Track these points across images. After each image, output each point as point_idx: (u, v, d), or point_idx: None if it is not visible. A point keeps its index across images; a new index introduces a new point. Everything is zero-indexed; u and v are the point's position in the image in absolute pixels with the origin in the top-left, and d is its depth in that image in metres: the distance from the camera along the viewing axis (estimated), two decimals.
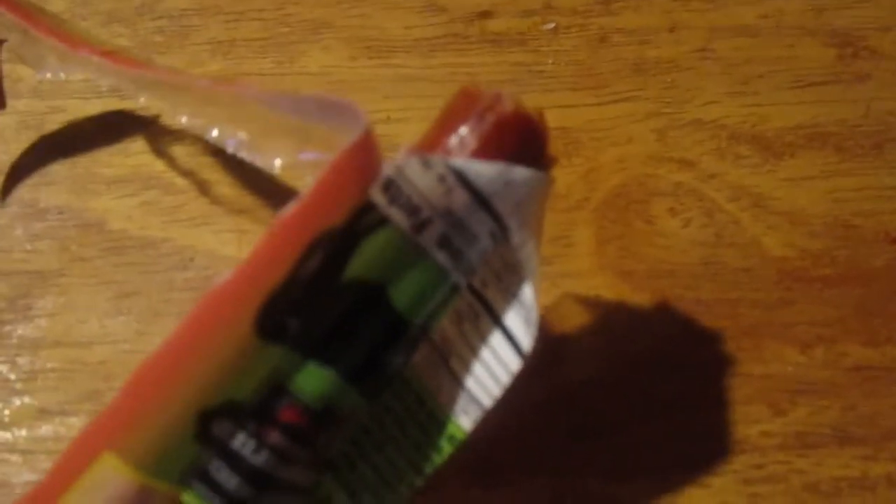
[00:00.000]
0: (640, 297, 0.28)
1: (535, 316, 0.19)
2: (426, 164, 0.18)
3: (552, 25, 0.33)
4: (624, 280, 0.28)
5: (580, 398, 0.27)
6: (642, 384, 0.27)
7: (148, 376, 0.17)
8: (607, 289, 0.28)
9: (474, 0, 0.33)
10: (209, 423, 0.18)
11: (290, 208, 0.17)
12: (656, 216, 0.29)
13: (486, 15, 0.33)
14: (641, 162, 0.30)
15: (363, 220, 0.18)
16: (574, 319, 0.28)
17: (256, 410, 0.18)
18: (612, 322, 0.28)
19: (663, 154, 0.30)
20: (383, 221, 0.18)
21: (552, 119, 0.30)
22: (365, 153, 0.17)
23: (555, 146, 0.30)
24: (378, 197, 0.18)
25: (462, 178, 0.18)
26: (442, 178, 0.18)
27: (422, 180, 0.18)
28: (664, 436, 0.26)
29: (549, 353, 0.27)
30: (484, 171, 0.18)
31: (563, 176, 0.30)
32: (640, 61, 0.32)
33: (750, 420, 0.26)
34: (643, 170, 0.30)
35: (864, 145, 0.31)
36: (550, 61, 0.32)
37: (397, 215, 0.18)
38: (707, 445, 0.26)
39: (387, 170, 0.18)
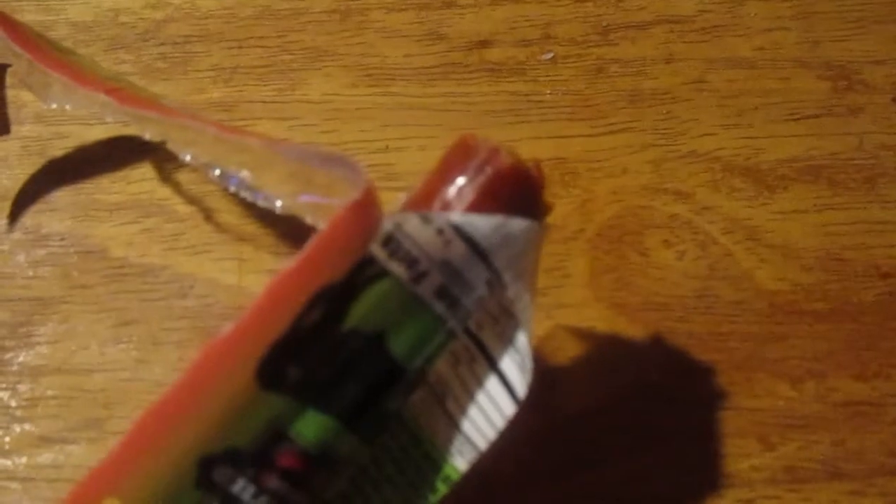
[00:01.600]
0: (633, 330, 0.28)
1: (529, 363, 0.20)
2: (425, 219, 0.18)
3: (550, 55, 0.33)
4: (618, 312, 0.29)
5: (573, 429, 0.27)
6: (634, 416, 0.27)
7: (150, 424, 0.17)
8: (601, 321, 0.28)
9: (474, 29, 0.34)
10: (210, 470, 0.18)
11: (292, 262, 0.17)
12: (651, 248, 0.30)
13: (485, 44, 0.33)
14: (636, 193, 0.31)
15: (363, 273, 0.18)
16: (568, 351, 0.28)
17: (256, 456, 0.18)
18: (606, 354, 0.28)
19: (658, 186, 0.31)
20: (383, 273, 0.18)
21: (549, 149, 0.31)
22: (366, 209, 0.17)
23: (552, 176, 0.31)
24: (378, 251, 0.18)
25: (460, 232, 0.18)
26: (440, 232, 0.18)
27: (421, 234, 0.18)
28: (655, 468, 0.26)
29: (543, 383, 0.27)
30: (482, 225, 0.18)
31: (559, 207, 0.30)
32: (637, 92, 0.32)
33: (740, 454, 0.27)
34: (638, 201, 0.30)
35: (857, 179, 0.31)
36: (548, 91, 0.32)
37: (396, 268, 0.18)
38: (697, 478, 0.26)
39: (387, 225, 0.18)
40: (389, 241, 0.18)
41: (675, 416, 0.27)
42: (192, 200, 0.30)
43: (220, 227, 0.30)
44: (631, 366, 0.28)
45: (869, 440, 0.27)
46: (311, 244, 0.17)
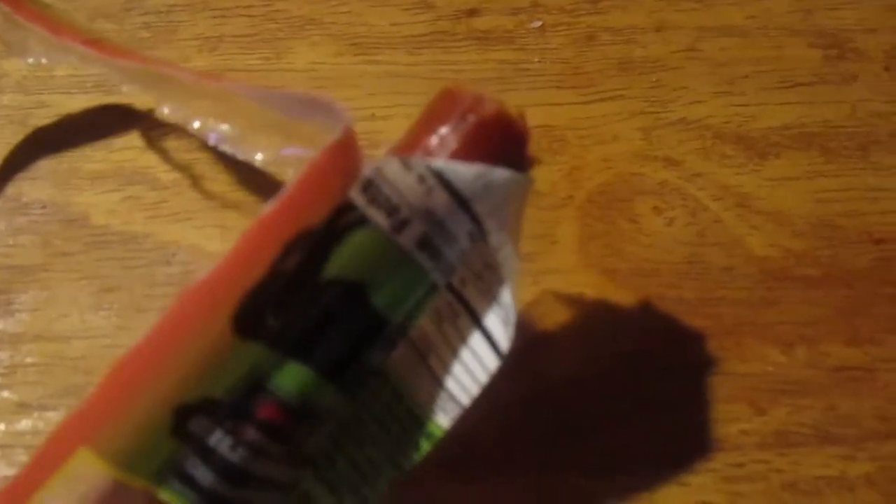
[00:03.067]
0: (622, 296, 0.28)
1: (513, 317, 0.19)
2: (406, 165, 0.18)
3: (539, 23, 0.33)
4: (607, 278, 0.28)
5: (562, 395, 0.27)
6: (624, 382, 0.27)
7: (124, 372, 0.17)
8: (590, 287, 0.28)
9: None
10: (186, 420, 0.18)
11: (270, 206, 0.17)
12: (640, 214, 0.29)
13: (473, 12, 0.33)
14: (626, 160, 0.30)
15: (342, 220, 0.18)
16: (556, 317, 0.28)
17: (234, 407, 0.18)
18: (595, 320, 0.28)
19: (648, 153, 0.30)
20: (363, 221, 0.18)
21: (538, 117, 0.31)
22: (345, 152, 0.17)
23: (540, 144, 0.31)
24: (357, 197, 0.18)
25: (442, 180, 0.18)
26: (422, 179, 0.18)
27: (402, 181, 0.18)
28: (645, 433, 0.26)
29: (531, 349, 0.27)
30: (464, 172, 0.18)
31: (548, 174, 0.30)
32: (627, 60, 0.32)
33: (730, 419, 0.26)
34: (628, 168, 0.30)
35: (849, 146, 0.31)
36: (537, 59, 0.32)
37: (377, 215, 0.18)
38: (687, 443, 0.26)
39: (366, 170, 0.18)
40: (369, 187, 0.18)
41: (665, 382, 0.27)
42: (175, 168, 0.30)
43: (203, 195, 0.29)
44: (620, 332, 0.28)
45: (860, 405, 0.26)
46: (289, 187, 0.17)
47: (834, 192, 0.30)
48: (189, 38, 0.32)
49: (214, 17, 0.33)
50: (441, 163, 0.18)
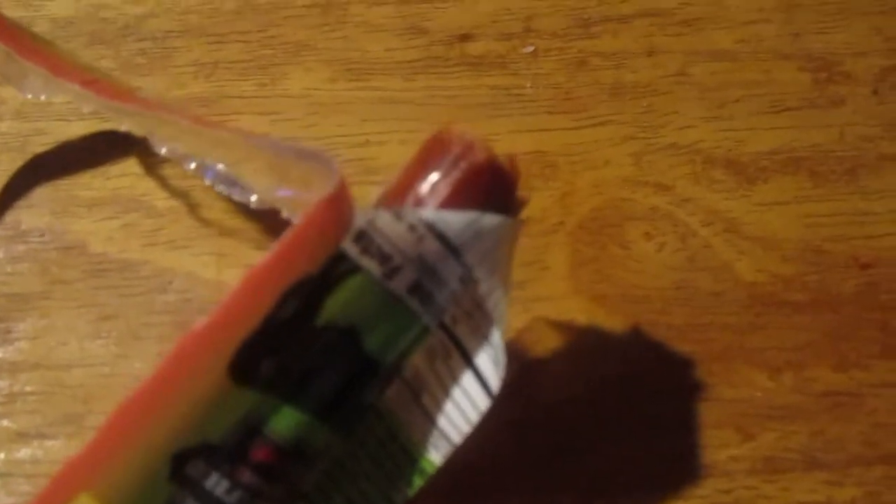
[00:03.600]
0: (613, 322, 0.28)
1: (502, 358, 0.20)
2: (397, 216, 0.18)
3: (531, 48, 0.33)
4: (597, 304, 0.29)
5: (553, 419, 0.27)
6: (613, 407, 0.27)
7: (123, 419, 0.17)
8: (581, 312, 0.29)
9: (455, 23, 0.33)
10: (183, 464, 0.18)
11: (265, 257, 0.17)
12: (631, 240, 0.30)
13: (466, 38, 0.33)
14: (617, 186, 0.31)
15: (336, 269, 0.18)
16: (547, 343, 0.28)
17: (230, 451, 0.18)
18: (585, 346, 0.28)
19: (639, 178, 0.31)
20: (356, 269, 0.18)
21: (530, 142, 0.31)
22: (339, 205, 0.17)
23: (531, 170, 0.31)
24: (350, 247, 0.18)
25: (433, 229, 0.18)
26: (413, 228, 0.18)
27: (393, 230, 0.18)
28: (634, 458, 0.26)
29: (523, 375, 0.27)
30: (454, 221, 0.18)
31: (539, 199, 0.30)
32: (618, 85, 0.32)
33: (719, 444, 0.27)
34: (619, 193, 0.31)
35: (838, 171, 0.31)
36: (529, 84, 0.32)
37: (369, 264, 0.18)
38: (676, 469, 0.27)
39: (359, 221, 0.18)
40: (361, 238, 0.18)
41: (655, 407, 0.27)
42: (172, 195, 0.30)
43: (200, 222, 0.30)
44: (610, 357, 0.28)
45: (847, 430, 0.27)
46: (283, 239, 0.17)
47: (822, 217, 0.30)
48: (184, 65, 0.33)
49: (210, 43, 0.33)
50: (431, 213, 0.18)
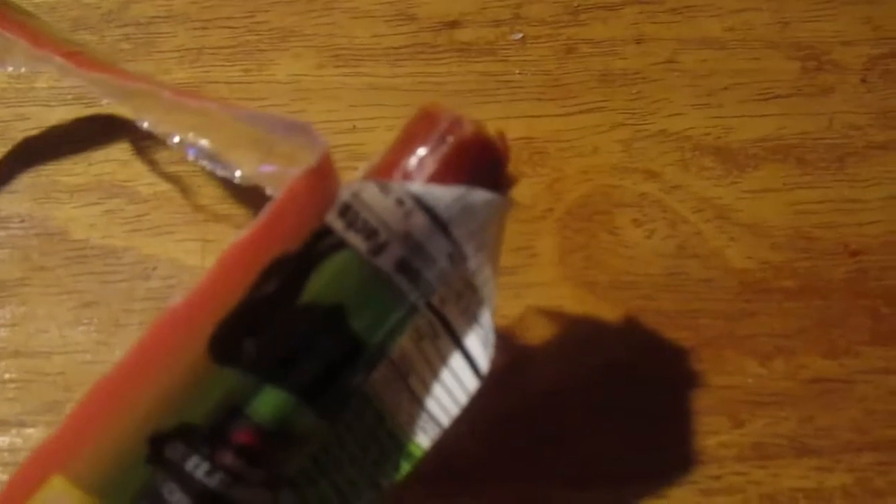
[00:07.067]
0: (602, 308, 0.28)
1: (492, 338, 0.19)
2: (384, 189, 0.18)
3: (520, 35, 0.33)
4: (587, 291, 0.28)
5: (542, 407, 0.27)
6: (604, 393, 0.27)
7: (99, 399, 0.17)
8: (570, 299, 0.28)
9: (443, 9, 0.33)
10: (162, 446, 0.18)
11: (245, 231, 0.17)
12: (620, 227, 0.30)
13: (454, 24, 0.33)
14: (606, 172, 0.30)
15: (320, 244, 0.18)
16: (536, 329, 0.28)
17: (210, 433, 0.18)
18: (575, 332, 0.28)
19: (628, 165, 0.31)
20: (341, 245, 0.18)
21: (519, 129, 0.31)
22: (322, 178, 0.17)
23: (521, 156, 0.31)
24: (335, 221, 0.18)
25: (420, 203, 0.18)
26: (400, 202, 0.18)
27: (380, 204, 0.18)
28: (624, 445, 0.26)
29: (512, 362, 0.27)
30: (442, 196, 0.18)
31: (529, 186, 0.30)
32: (607, 72, 0.32)
33: (709, 431, 0.27)
34: (608, 180, 0.30)
35: (827, 158, 0.31)
36: (518, 71, 0.32)
37: (355, 239, 0.18)
38: (666, 455, 0.26)
39: (344, 194, 0.18)
40: (347, 211, 0.18)
41: (645, 394, 0.27)
42: (156, 181, 0.30)
43: (182, 209, 0.29)
44: (600, 344, 0.28)
45: (837, 417, 0.27)
46: (265, 212, 0.17)
47: (811, 204, 0.30)
48: (169, 50, 0.32)
49: (195, 29, 0.33)
50: (419, 186, 0.18)
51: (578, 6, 0.34)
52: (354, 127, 0.31)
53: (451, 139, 0.19)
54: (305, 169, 0.17)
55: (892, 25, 0.33)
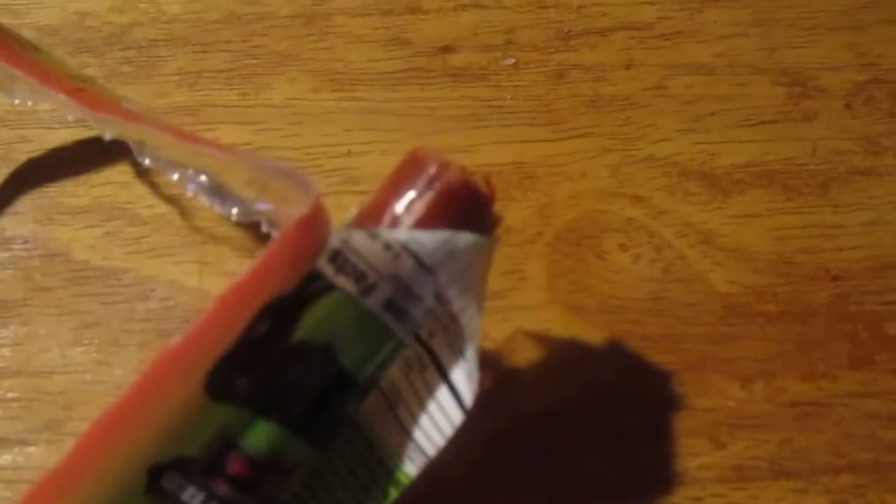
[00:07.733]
0: (589, 332, 0.29)
1: (476, 374, 0.20)
2: (372, 235, 0.18)
3: (512, 61, 0.34)
4: (574, 314, 0.29)
5: (526, 429, 0.27)
6: (588, 417, 0.28)
7: (101, 431, 0.18)
8: (557, 323, 0.29)
9: (437, 35, 0.34)
10: (160, 477, 0.18)
11: (240, 276, 0.18)
12: (608, 251, 0.30)
13: (448, 49, 0.34)
14: (595, 197, 0.31)
15: (311, 287, 0.18)
16: (524, 352, 0.29)
17: (205, 464, 0.19)
18: (561, 355, 0.29)
19: (616, 190, 0.31)
20: (331, 287, 0.19)
21: (510, 154, 0.32)
22: (314, 224, 0.18)
23: (511, 181, 0.32)
24: (325, 267, 0.19)
25: (407, 249, 0.19)
26: (388, 247, 0.19)
27: (368, 250, 0.19)
28: (608, 467, 0.27)
29: (500, 384, 0.28)
30: (428, 241, 0.19)
31: (519, 210, 0.31)
32: (597, 97, 0.33)
33: (691, 453, 0.27)
34: (596, 205, 0.31)
35: (810, 184, 0.32)
36: (509, 96, 0.33)
37: (344, 282, 0.19)
38: (649, 477, 0.27)
39: (334, 241, 0.18)
40: (336, 257, 0.19)
41: (629, 417, 0.28)
42: (155, 204, 0.30)
43: (181, 231, 0.30)
44: (586, 367, 0.29)
45: (814, 439, 0.27)
46: (259, 258, 0.18)
47: (794, 230, 0.31)
48: (169, 74, 0.33)
49: (195, 52, 0.33)
50: (405, 233, 0.19)
51: (569, 32, 0.34)
52: (350, 151, 0.32)
53: (437, 185, 0.19)
54: (298, 217, 0.17)
55: (877, 52, 0.34)
